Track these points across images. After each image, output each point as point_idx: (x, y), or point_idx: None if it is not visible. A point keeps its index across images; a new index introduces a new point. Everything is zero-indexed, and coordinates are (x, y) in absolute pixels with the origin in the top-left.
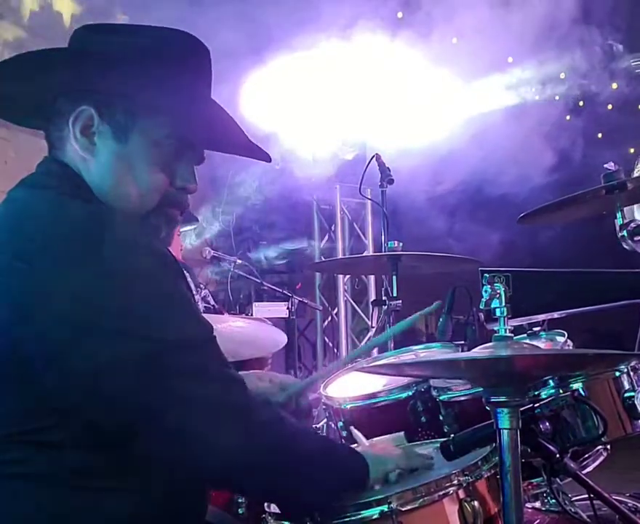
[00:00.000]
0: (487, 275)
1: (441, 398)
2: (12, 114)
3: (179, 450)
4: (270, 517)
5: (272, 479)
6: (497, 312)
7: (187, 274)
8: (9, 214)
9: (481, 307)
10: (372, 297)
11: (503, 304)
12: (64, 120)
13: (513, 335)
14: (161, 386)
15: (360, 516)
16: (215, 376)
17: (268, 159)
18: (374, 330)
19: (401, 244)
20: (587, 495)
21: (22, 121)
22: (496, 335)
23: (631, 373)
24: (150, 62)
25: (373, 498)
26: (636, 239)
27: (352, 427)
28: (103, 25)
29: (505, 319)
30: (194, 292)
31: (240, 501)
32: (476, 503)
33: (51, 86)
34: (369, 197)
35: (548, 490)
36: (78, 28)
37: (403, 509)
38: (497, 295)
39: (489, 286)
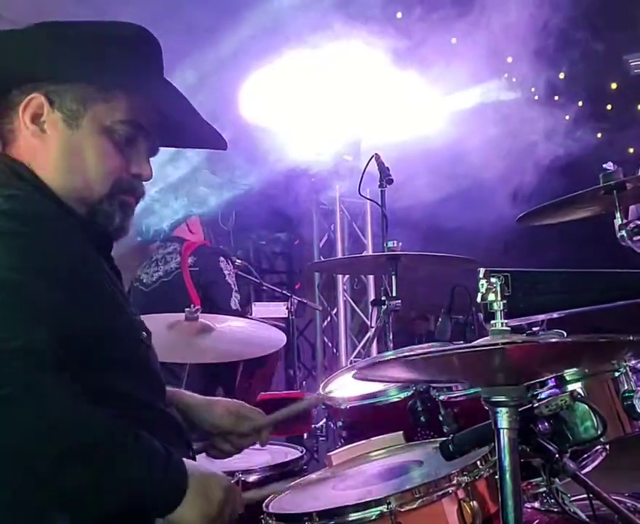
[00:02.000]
0: (483, 269)
1: (440, 398)
2: None
3: None
4: (269, 517)
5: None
6: (494, 306)
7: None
8: None
9: (477, 301)
10: (372, 297)
11: (500, 298)
12: (15, 111)
13: (509, 328)
14: None
15: (359, 516)
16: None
17: (224, 146)
18: (373, 329)
19: (400, 243)
20: (586, 495)
21: None
22: (493, 329)
23: (630, 373)
24: (98, 49)
25: (372, 499)
26: (635, 238)
27: None
28: (53, 21)
29: (502, 313)
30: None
31: None
32: (475, 503)
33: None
34: (369, 197)
35: (547, 490)
36: (30, 25)
37: (402, 510)
38: (494, 289)
39: (485, 280)
